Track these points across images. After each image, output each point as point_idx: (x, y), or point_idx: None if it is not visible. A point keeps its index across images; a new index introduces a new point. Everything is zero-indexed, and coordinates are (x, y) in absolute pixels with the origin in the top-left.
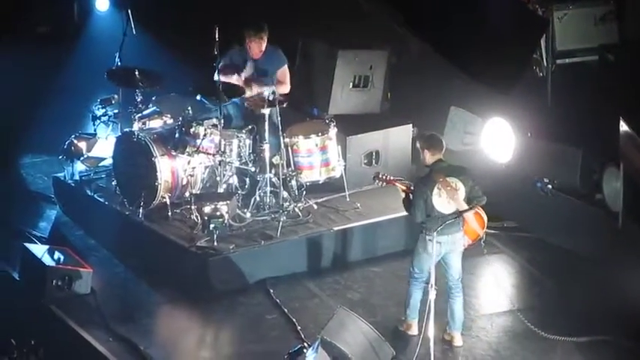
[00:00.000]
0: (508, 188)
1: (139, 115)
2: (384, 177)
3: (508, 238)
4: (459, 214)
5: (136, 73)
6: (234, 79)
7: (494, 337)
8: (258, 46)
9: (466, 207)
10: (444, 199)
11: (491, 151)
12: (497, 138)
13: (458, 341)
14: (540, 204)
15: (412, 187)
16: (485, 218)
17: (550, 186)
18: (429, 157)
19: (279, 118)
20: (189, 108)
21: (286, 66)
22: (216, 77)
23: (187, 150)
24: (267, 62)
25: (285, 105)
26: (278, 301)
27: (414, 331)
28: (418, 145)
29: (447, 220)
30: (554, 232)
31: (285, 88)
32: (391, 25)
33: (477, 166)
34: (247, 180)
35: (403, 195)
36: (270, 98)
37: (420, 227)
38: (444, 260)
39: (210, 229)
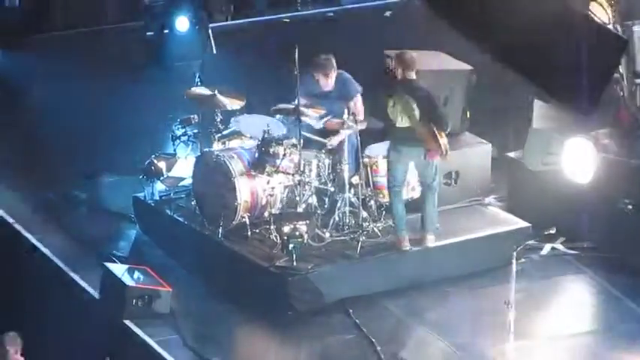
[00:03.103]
0: (589, 208)
1: (219, 134)
2: None
3: (588, 258)
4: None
5: (216, 93)
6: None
7: (576, 359)
8: (325, 80)
9: (420, 126)
10: (397, 113)
11: (572, 171)
12: (578, 158)
13: (430, 242)
14: (621, 224)
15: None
16: (445, 141)
17: (631, 206)
18: (399, 74)
19: (358, 139)
20: (269, 128)
21: (359, 95)
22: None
23: (267, 170)
24: (338, 94)
25: (364, 127)
26: (357, 321)
27: (405, 245)
28: (393, 62)
29: (398, 132)
30: (636, 253)
31: (359, 119)
32: (470, 45)
33: (557, 186)
34: (326, 200)
35: None
36: (349, 121)
37: None
38: (416, 168)
39: (290, 248)
